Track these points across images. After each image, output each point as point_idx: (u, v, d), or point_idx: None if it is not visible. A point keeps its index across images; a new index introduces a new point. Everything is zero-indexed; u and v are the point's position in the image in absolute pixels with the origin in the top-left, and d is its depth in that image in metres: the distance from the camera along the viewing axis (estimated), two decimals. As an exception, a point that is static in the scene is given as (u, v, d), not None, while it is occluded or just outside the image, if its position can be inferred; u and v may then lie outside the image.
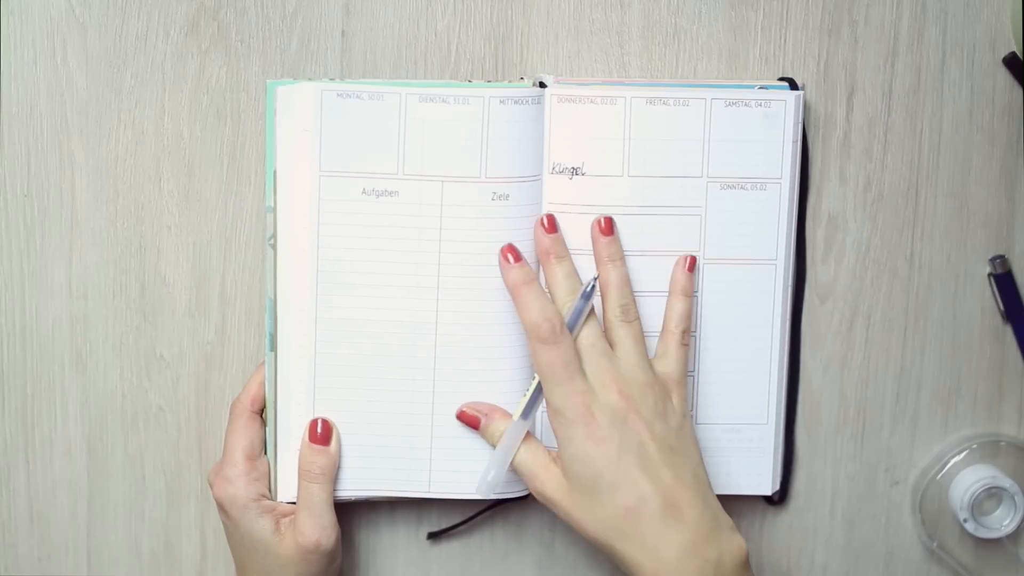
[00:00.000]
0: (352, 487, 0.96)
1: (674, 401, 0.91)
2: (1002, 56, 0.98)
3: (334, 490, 0.95)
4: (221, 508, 0.94)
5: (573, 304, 0.91)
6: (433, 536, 1.01)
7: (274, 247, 0.93)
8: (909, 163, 0.99)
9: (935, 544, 1.02)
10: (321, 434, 0.94)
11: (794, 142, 0.95)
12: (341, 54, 0.97)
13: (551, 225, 0.93)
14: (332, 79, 0.96)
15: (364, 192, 0.93)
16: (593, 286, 0.92)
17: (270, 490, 0.95)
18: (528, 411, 0.92)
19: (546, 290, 0.93)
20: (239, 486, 0.93)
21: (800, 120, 0.96)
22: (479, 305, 0.94)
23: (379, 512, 1.01)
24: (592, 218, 0.94)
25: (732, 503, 1.00)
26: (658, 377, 0.92)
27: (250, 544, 0.94)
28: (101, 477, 1.01)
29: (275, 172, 0.93)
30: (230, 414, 0.95)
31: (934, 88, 0.99)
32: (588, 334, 0.91)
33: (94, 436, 1.00)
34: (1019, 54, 0.98)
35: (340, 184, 0.93)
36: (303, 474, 0.94)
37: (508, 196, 0.93)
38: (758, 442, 0.98)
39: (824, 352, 1.01)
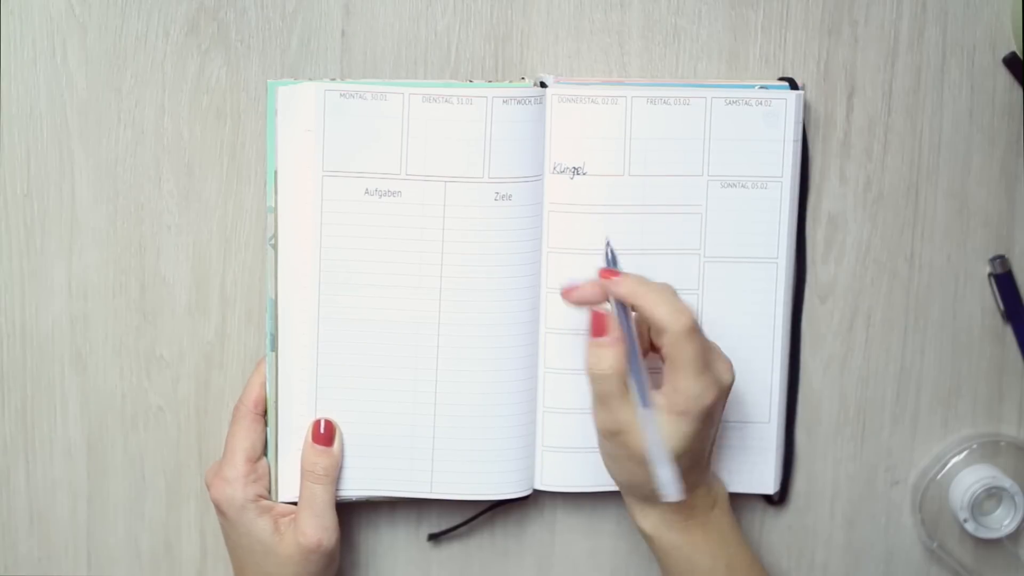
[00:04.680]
0: (353, 487, 0.96)
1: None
2: (1002, 56, 0.98)
3: (336, 490, 0.95)
4: (218, 509, 0.94)
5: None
6: (434, 537, 1.01)
7: (275, 247, 0.93)
8: (909, 163, 1.00)
9: (935, 544, 1.02)
10: (324, 434, 0.94)
11: (795, 141, 0.95)
12: (341, 54, 0.97)
13: (612, 271, 0.90)
14: (333, 79, 0.96)
15: (367, 192, 0.93)
16: (609, 248, 0.91)
17: (269, 491, 0.95)
18: (647, 397, 0.88)
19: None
20: (237, 487, 0.93)
21: (800, 119, 0.96)
22: (481, 305, 0.94)
23: (379, 512, 1.01)
24: (593, 218, 0.94)
25: (733, 502, 1.00)
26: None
27: (248, 545, 0.94)
28: (101, 477, 1.00)
29: (276, 172, 0.93)
30: (233, 416, 0.95)
31: (934, 88, 0.99)
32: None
33: (94, 436, 1.00)
34: (1019, 54, 0.98)
35: (343, 184, 0.93)
36: (306, 475, 0.94)
37: (511, 196, 0.93)
38: (760, 441, 0.98)
39: (824, 352, 1.01)
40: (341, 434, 0.95)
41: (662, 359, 0.89)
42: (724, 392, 0.90)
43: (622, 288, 0.89)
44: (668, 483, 0.87)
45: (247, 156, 0.97)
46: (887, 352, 1.01)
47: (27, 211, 0.98)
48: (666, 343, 0.88)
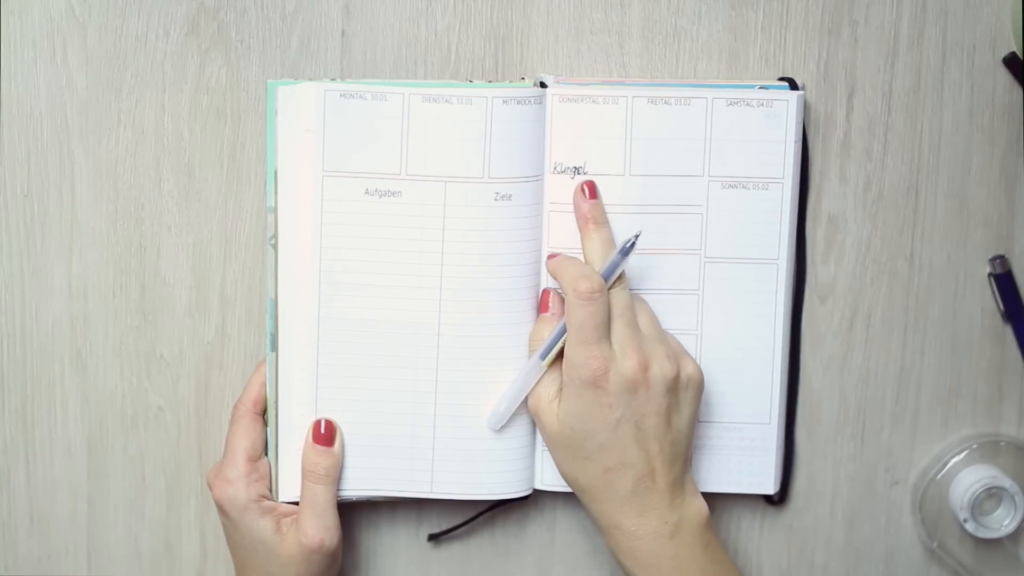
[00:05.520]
0: (354, 487, 0.96)
1: (689, 370, 0.92)
2: (1002, 56, 0.98)
3: (337, 490, 0.95)
4: (221, 509, 0.94)
5: (611, 258, 0.92)
6: (434, 537, 1.01)
7: (275, 247, 0.93)
8: (909, 163, 0.99)
9: (935, 544, 1.02)
10: (325, 434, 0.94)
11: (795, 142, 0.95)
12: (341, 54, 0.97)
13: (591, 191, 0.94)
14: (333, 79, 0.96)
15: (367, 192, 0.93)
16: (633, 243, 0.92)
17: (271, 490, 0.95)
18: (547, 352, 0.92)
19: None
20: (239, 487, 0.93)
21: (801, 120, 0.96)
22: (482, 305, 0.94)
23: (379, 513, 1.01)
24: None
25: (732, 502, 1.00)
26: (672, 348, 0.93)
27: (251, 545, 0.94)
28: (101, 477, 1.00)
29: (276, 172, 0.93)
30: (232, 416, 0.95)
31: (934, 88, 0.99)
32: (621, 302, 0.92)
33: (94, 436, 1.00)
34: (1019, 54, 0.98)
35: (343, 184, 0.93)
36: (307, 475, 0.94)
37: (511, 196, 0.93)
38: (760, 441, 0.98)
39: (824, 352, 1.01)
40: (342, 434, 0.95)
41: None
42: (624, 378, 0.89)
43: (549, 265, 0.94)
44: (494, 413, 0.94)
45: (247, 156, 0.97)
46: (887, 352, 1.01)
47: (27, 211, 0.98)
48: (565, 306, 0.92)
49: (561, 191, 0.94)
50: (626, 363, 0.90)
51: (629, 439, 0.90)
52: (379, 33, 0.97)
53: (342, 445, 0.95)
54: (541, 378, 0.93)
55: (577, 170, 0.94)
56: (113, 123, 0.97)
